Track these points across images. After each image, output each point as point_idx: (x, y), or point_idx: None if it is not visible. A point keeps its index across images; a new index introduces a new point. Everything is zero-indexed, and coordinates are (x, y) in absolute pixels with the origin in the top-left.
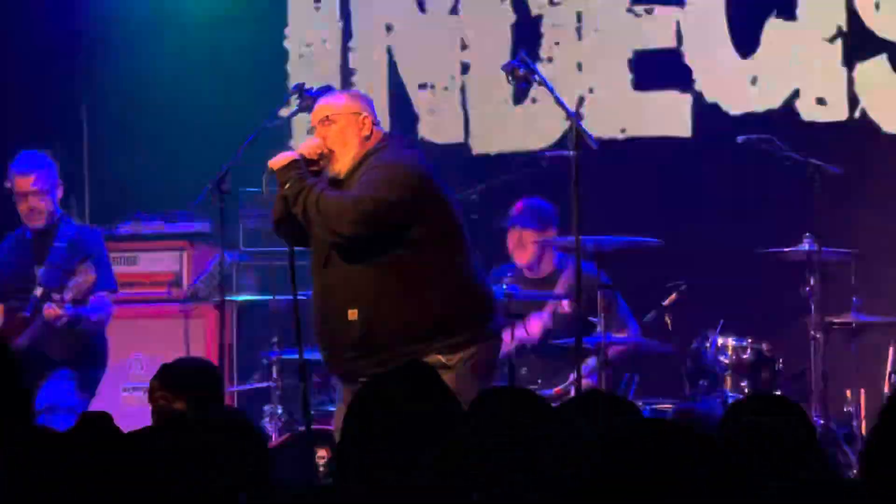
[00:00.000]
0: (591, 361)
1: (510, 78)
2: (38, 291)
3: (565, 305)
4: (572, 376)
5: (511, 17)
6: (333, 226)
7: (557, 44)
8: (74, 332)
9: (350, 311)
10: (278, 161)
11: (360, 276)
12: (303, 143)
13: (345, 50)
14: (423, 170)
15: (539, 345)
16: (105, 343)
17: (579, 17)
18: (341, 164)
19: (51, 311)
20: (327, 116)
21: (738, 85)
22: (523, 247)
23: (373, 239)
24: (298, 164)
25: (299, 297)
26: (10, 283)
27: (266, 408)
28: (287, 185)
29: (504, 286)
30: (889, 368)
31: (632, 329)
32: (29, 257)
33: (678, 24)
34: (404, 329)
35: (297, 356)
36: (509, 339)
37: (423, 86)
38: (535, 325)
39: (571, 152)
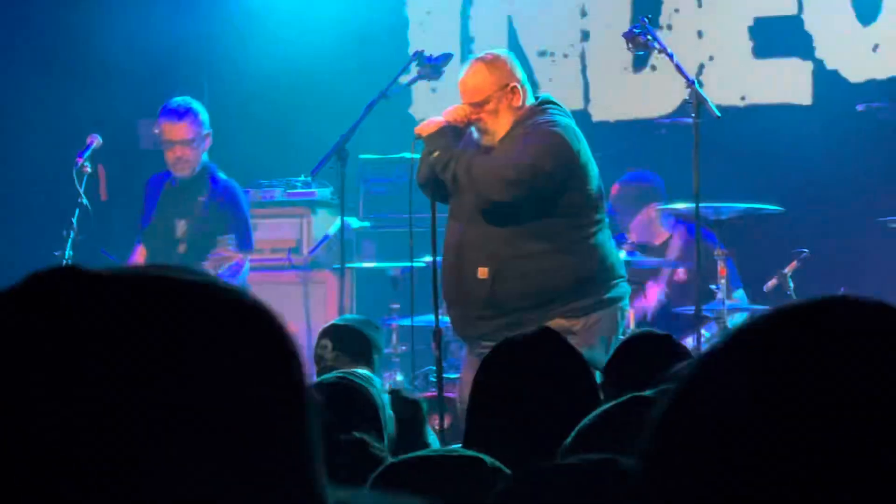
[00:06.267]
0: (710, 328)
1: (630, 45)
2: (182, 248)
3: (681, 273)
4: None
5: None
6: (486, 192)
7: (677, 11)
8: None
9: (481, 270)
10: (426, 128)
11: (496, 237)
12: (449, 110)
13: (464, 17)
14: (575, 138)
15: (658, 313)
16: None
17: None
18: (494, 134)
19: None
20: (478, 100)
21: (859, 52)
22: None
23: (519, 204)
24: (446, 132)
25: (418, 264)
26: (155, 232)
27: (385, 374)
28: (436, 153)
29: (623, 253)
30: None
31: (738, 296)
32: (175, 208)
33: None
34: (532, 291)
35: (414, 323)
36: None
37: (542, 53)
38: (651, 296)
39: (692, 120)
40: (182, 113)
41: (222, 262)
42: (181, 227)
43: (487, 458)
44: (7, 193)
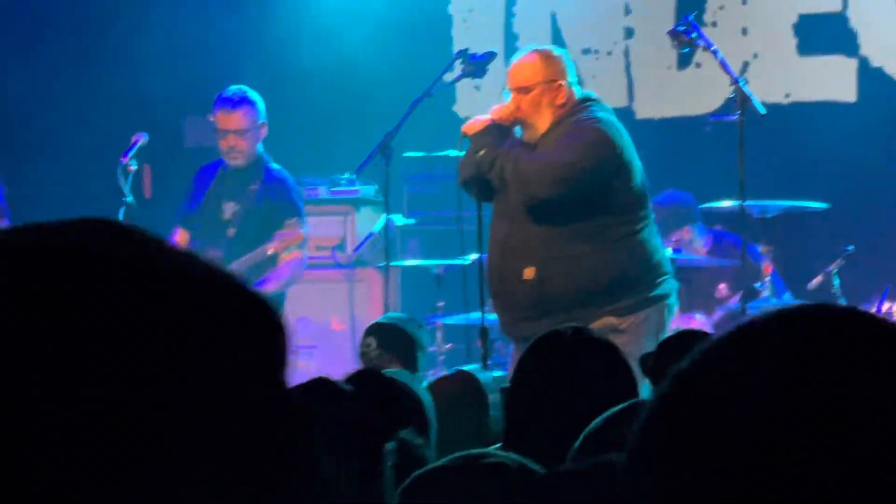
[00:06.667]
0: None
1: (675, 43)
2: (231, 231)
3: (722, 290)
4: None
5: None
6: (531, 190)
7: (722, 8)
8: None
9: (526, 270)
10: (473, 126)
11: (542, 236)
12: (495, 108)
13: (508, 15)
14: (617, 134)
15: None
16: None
17: None
18: (535, 129)
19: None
20: (523, 86)
21: None
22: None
23: (564, 202)
24: (492, 130)
25: (464, 262)
26: (203, 217)
27: (430, 372)
28: (482, 151)
29: (669, 250)
30: None
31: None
32: (224, 191)
33: None
34: (579, 291)
35: (461, 321)
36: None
37: (586, 51)
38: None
39: (736, 117)
40: (237, 102)
41: (289, 241)
42: (229, 209)
43: (525, 461)
44: (53, 192)
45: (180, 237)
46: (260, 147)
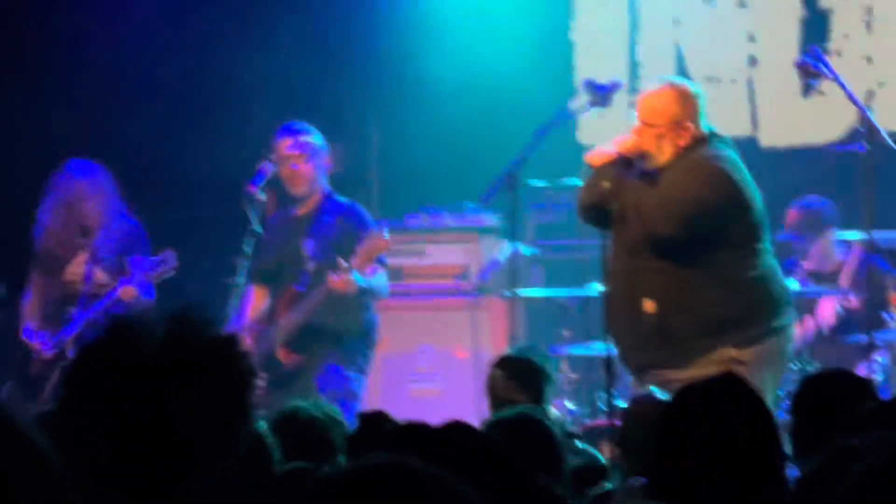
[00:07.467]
0: (881, 357)
1: (801, 72)
2: (311, 265)
3: (853, 300)
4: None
5: (799, 10)
6: (652, 226)
7: (846, 36)
8: (355, 304)
9: (647, 303)
10: (596, 157)
11: (662, 269)
12: (619, 139)
13: (632, 43)
14: (739, 172)
15: (832, 334)
16: (375, 321)
17: (869, 11)
18: (655, 161)
19: (338, 281)
20: (650, 121)
21: None
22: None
23: (684, 239)
24: (616, 162)
25: (590, 292)
26: (280, 262)
27: (555, 401)
28: (605, 183)
29: (794, 279)
30: None
31: None
32: (296, 233)
33: None
34: (698, 324)
35: (584, 351)
36: (800, 331)
37: (710, 79)
38: (826, 309)
39: (863, 146)
40: (297, 130)
41: (372, 250)
42: (309, 247)
43: None
44: (182, 220)
45: (256, 296)
46: (325, 179)
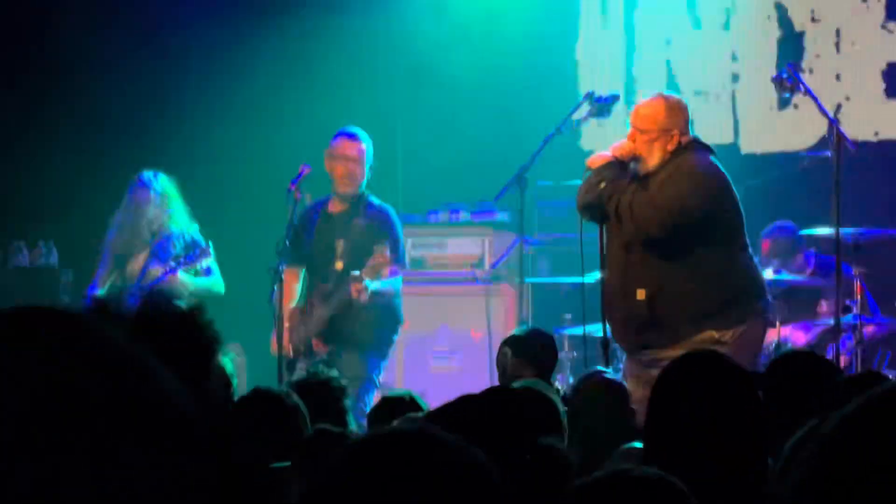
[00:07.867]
0: (848, 339)
1: (778, 87)
2: (339, 265)
3: (823, 306)
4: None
5: (777, 32)
6: (643, 227)
7: (818, 56)
8: (372, 304)
9: (639, 291)
10: (595, 161)
11: (653, 263)
12: (616, 145)
13: (629, 61)
14: (722, 177)
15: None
16: (397, 310)
17: (838, 33)
18: (646, 165)
19: (352, 290)
20: (642, 128)
21: None
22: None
23: (672, 237)
24: (613, 165)
25: (590, 280)
26: (313, 255)
27: (558, 376)
28: (602, 184)
29: (770, 271)
30: None
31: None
32: (330, 230)
33: None
34: (684, 310)
35: (584, 332)
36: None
37: (697, 93)
38: (799, 338)
39: (831, 153)
40: (355, 135)
41: (377, 266)
42: (340, 245)
43: (674, 481)
44: (224, 218)
45: (290, 275)
46: (364, 185)
